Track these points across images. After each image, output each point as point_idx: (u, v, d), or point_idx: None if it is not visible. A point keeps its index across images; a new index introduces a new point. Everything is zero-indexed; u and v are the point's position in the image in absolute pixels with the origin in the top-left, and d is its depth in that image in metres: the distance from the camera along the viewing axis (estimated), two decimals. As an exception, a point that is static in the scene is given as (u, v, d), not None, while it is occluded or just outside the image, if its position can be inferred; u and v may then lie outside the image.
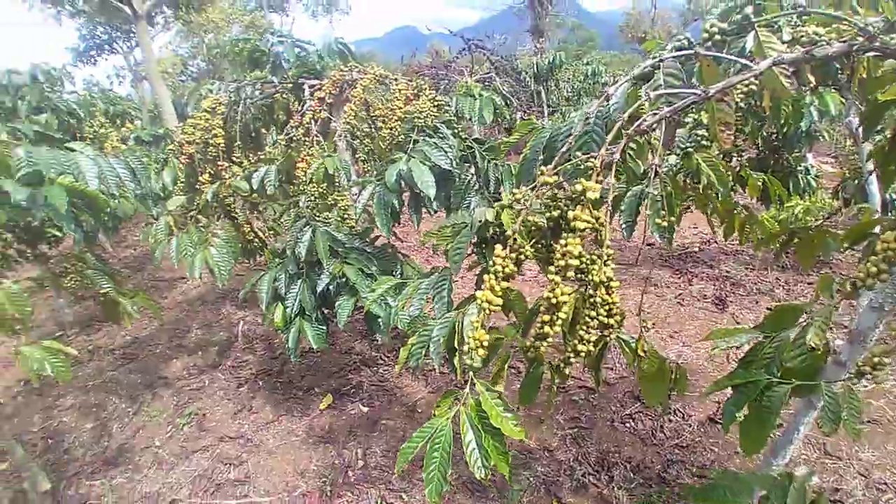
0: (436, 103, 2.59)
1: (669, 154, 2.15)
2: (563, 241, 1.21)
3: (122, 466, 3.12)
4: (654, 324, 4.31)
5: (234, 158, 3.03)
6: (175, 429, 3.39)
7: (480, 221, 1.49)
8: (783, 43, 1.40)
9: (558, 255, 1.22)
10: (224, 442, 3.22)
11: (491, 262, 1.26)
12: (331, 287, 2.42)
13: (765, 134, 3.95)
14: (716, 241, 6.18)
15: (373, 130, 3.09)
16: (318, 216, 2.57)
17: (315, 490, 2.79)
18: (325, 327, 2.61)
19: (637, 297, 1.50)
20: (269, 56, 2.82)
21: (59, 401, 3.91)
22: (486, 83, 7.52)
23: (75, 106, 3.93)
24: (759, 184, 2.77)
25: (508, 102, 8.06)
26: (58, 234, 2.39)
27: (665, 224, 1.61)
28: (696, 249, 6.08)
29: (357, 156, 2.65)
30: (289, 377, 3.79)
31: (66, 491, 2.97)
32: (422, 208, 2.44)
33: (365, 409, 3.42)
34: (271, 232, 3.53)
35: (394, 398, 3.52)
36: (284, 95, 3.36)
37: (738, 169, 2.87)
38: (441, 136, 2.56)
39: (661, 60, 1.33)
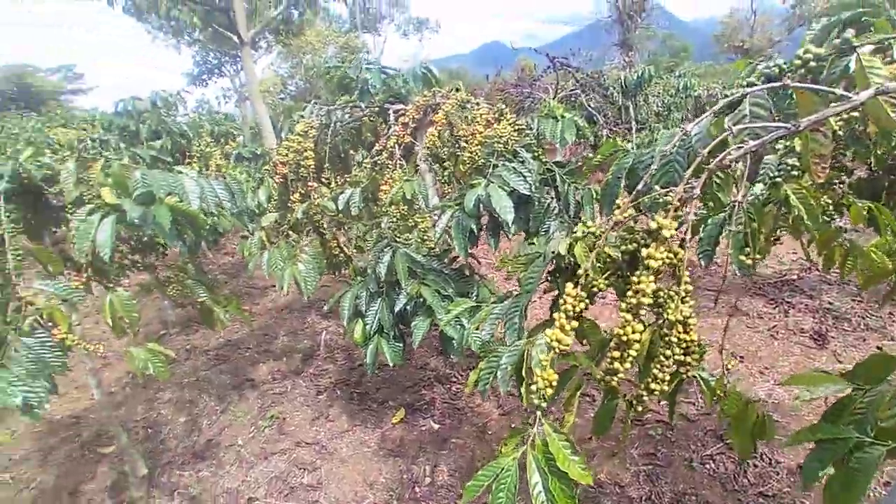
0: (516, 127, 2.60)
1: (755, 184, 2.01)
2: (635, 278, 1.17)
3: (208, 461, 3.35)
4: (742, 358, 4.00)
5: (324, 179, 3.20)
6: (257, 430, 3.59)
7: (553, 253, 1.47)
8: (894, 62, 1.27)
9: (630, 293, 1.18)
10: (301, 447, 3.37)
11: (561, 301, 1.24)
12: (408, 307, 2.47)
13: (878, 153, 3.56)
14: (817, 269, 5.64)
15: (456, 151, 3.14)
16: (399, 237, 2.64)
17: (382, 503, 2.84)
18: (401, 344, 2.67)
19: (720, 326, 1.41)
20: (358, 82, 2.96)
21: (158, 394, 4.28)
22: (572, 100, 7.41)
23: (186, 128, 4.35)
24: (865, 212, 2.50)
25: (595, 120, 7.87)
26: (164, 247, 2.63)
27: (749, 262, 1.51)
28: (795, 277, 5.58)
29: (438, 178, 2.70)
30: (365, 388, 3.90)
31: (159, 478, 3.24)
32: (500, 232, 2.44)
33: (436, 426, 3.44)
34: (356, 248, 3.68)
35: (465, 417, 3.52)
36: (371, 118, 3.51)
37: (840, 195, 2.60)
38: (521, 160, 2.56)
39: (746, 93, 1.26)
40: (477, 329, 1.69)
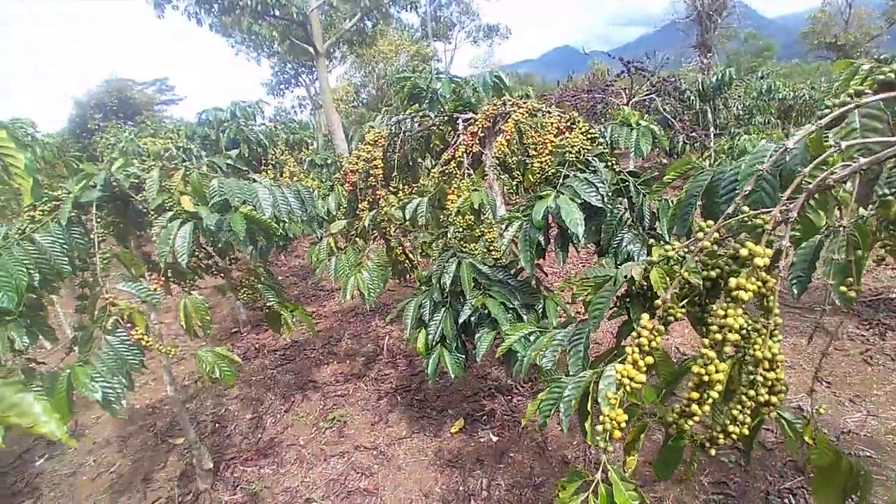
0: (589, 136, 2.50)
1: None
2: (720, 311, 1.07)
3: (270, 458, 3.45)
4: (829, 384, 3.64)
5: (392, 187, 3.23)
6: (318, 431, 3.67)
7: (626, 278, 1.38)
8: None
9: (714, 327, 1.08)
10: (359, 451, 3.40)
11: (635, 334, 1.15)
12: (472, 318, 2.43)
13: None
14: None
15: (525, 160, 3.08)
16: (465, 247, 2.61)
17: (441, 516, 2.80)
18: (463, 356, 2.64)
19: (805, 348, 1.26)
20: (427, 92, 2.97)
21: (227, 390, 4.47)
22: (647, 105, 7.12)
23: (262, 136, 4.56)
24: None
25: (671, 125, 7.52)
26: (238, 251, 2.74)
27: (853, 295, 1.35)
28: (894, 296, 5.04)
29: (506, 188, 2.65)
30: (425, 395, 3.90)
31: (224, 471, 3.37)
32: (568, 245, 2.35)
33: (494, 439, 3.37)
34: (422, 255, 3.69)
35: (524, 431, 3.43)
36: (440, 127, 3.52)
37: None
38: (593, 170, 2.46)
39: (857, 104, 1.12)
40: (537, 357, 1.62)
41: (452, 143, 2.85)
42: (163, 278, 2.44)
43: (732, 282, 1.07)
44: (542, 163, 2.53)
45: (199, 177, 2.54)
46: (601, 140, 2.60)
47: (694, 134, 7.88)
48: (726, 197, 1.43)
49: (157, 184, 2.52)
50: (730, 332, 1.04)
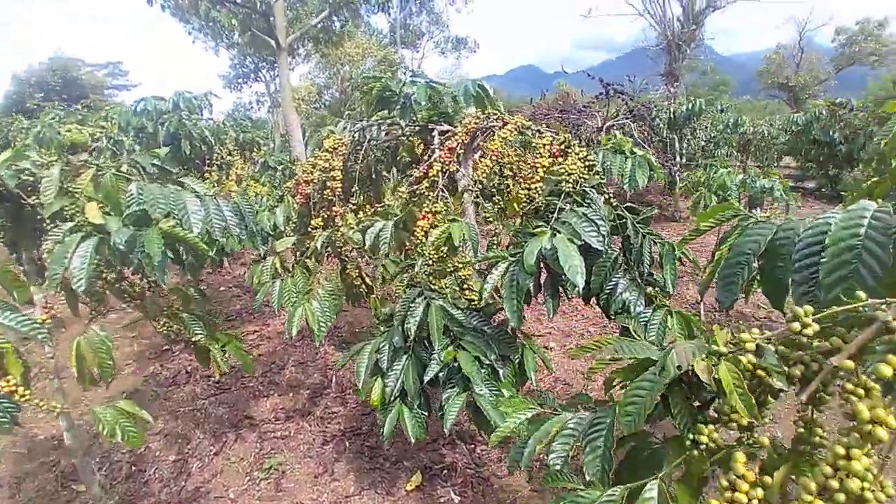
0: (587, 163, 2.15)
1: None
2: (839, 449, 0.72)
3: (195, 516, 2.91)
4: None
5: (352, 204, 2.79)
6: (252, 482, 3.14)
7: (680, 370, 1.00)
8: None
9: (827, 469, 0.72)
10: (299, 510, 2.91)
11: (726, 484, 0.77)
12: (440, 374, 2.01)
13: None
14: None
15: (505, 186, 2.71)
16: (434, 284, 2.19)
17: None
18: (426, 412, 2.20)
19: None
20: (400, 97, 2.56)
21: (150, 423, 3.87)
22: (622, 129, 6.93)
23: (207, 133, 4.01)
24: None
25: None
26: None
27: None
28: None
29: (485, 216, 2.26)
30: (377, 440, 3.43)
31: (137, 534, 2.80)
32: (559, 292, 1.97)
33: (456, 500, 2.95)
34: (382, 280, 3.25)
35: (490, 490, 3.02)
36: (410, 138, 3.10)
37: None
38: (589, 202, 2.10)
39: None
40: (541, 451, 1.22)
41: (425, 158, 2.44)
42: (51, 309, 1.90)
43: (862, 409, 0.71)
44: (530, 190, 2.15)
45: (113, 179, 2.03)
46: (598, 169, 2.26)
47: (664, 163, 7.77)
48: (802, 264, 1.07)
49: (55, 185, 1.99)
50: (852, 478, 0.69)
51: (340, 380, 4.20)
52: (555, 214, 1.95)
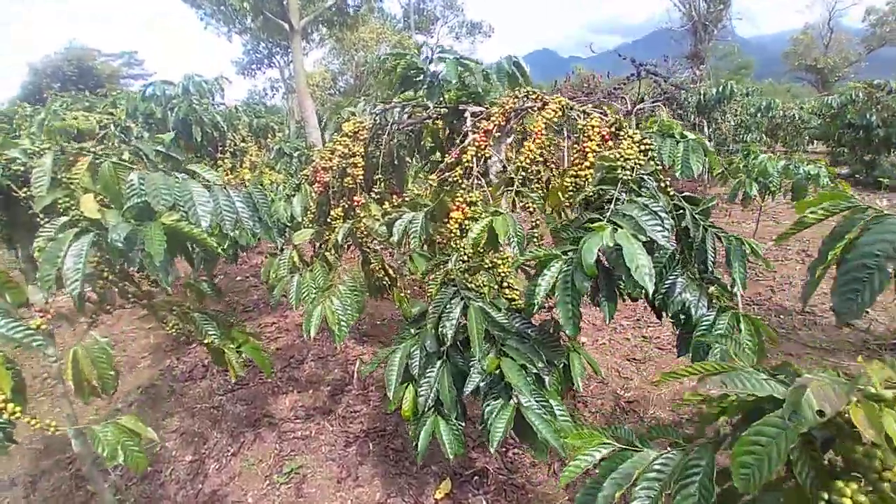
0: (643, 147, 1.90)
1: None
2: None
3: (212, 523, 2.76)
4: None
5: (374, 192, 2.57)
6: (271, 486, 2.98)
7: (823, 416, 0.77)
8: None
9: None
10: (321, 518, 2.74)
11: None
12: (481, 385, 1.80)
13: None
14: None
15: (536, 173, 2.47)
16: (469, 281, 1.97)
17: None
18: (463, 423, 2.00)
19: None
20: (426, 75, 2.32)
21: (166, 420, 3.74)
22: (650, 113, 6.60)
23: (220, 118, 3.81)
24: None
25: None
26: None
27: None
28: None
29: (527, 207, 2.02)
30: (403, 442, 3.24)
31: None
32: (617, 294, 1.74)
33: (487, 508, 2.76)
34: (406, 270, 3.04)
35: (525, 498, 2.82)
36: (435, 122, 2.87)
37: None
38: (649, 193, 1.86)
39: None
40: (621, 496, 1.00)
41: (458, 142, 2.20)
42: (49, 313, 1.72)
43: None
44: (577, 178, 1.92)
45: (111, 168, 1.84)
46: (654, 154, 2.01)
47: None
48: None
49: (48, 175, 1.80)
50: None
51: (361, 375, 4.02)
52: (610, 206, 1.72)
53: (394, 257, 3.26)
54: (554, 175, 2.45)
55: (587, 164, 1.86)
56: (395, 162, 3.03)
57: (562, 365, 2.06)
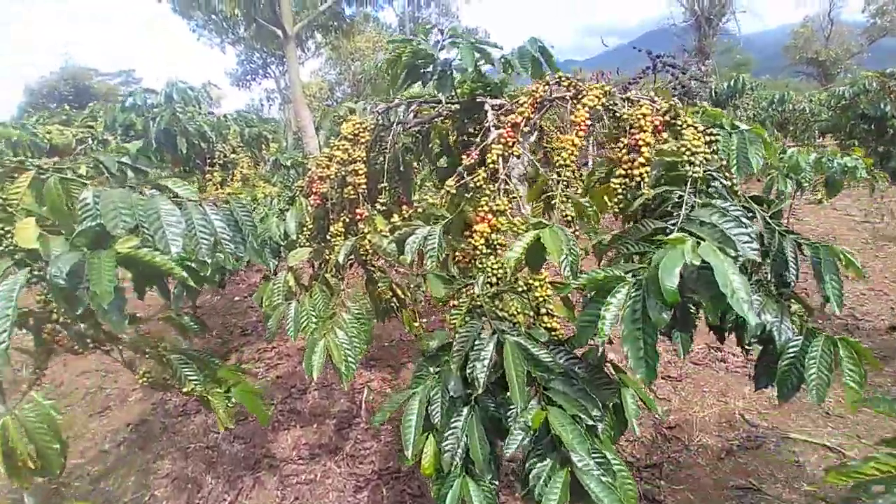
0: (709, 138, 1.55)
1: None
2: None
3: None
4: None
5: (379, 203, 2.23)
6: (273, 542, 2.63)
7: None
8: None
9: None
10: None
11: None
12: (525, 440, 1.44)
13: None
14: None
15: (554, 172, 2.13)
16: (498, 308, 1.62)
17: None
18: (497, 482, 1.63)
19: None
20: (437, 64, 1.98)
21: (157, 462, 3.38)
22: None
23: (207, 128, 3.48)
24: None
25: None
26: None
27: None
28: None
29: (564, 215, 1.66)
30: (421, 486, 2.88)
31: None
32: (693, 322, 1.39)
33: (521, 564, 2.38)
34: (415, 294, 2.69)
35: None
36: (444, 120, 2.53)
37: None
38: (719, 195, 1.52)
39: None
40: None
41: (477, 141, 1.85)
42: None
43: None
44: (627, 179, 1.56)
45: (57, 185, 1.49)
46: (719, 146, 1.67)
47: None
48: None
49: (-22, 197, 1.45)
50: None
51: (371, 406, 3.66)
52: (678, 211, 1.37)
53: (402, 275, 2.91)
54: (575, 178, 2.11)
55: (641, 160, 1.51)
56: (401, 168, 2.69)
57: (612, 404, 1.70)
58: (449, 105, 2.29)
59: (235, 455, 3.31)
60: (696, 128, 1.53)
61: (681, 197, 1.43)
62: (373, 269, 2.49)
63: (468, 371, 1.49)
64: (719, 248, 1.19)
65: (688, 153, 1.44)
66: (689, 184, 1.40)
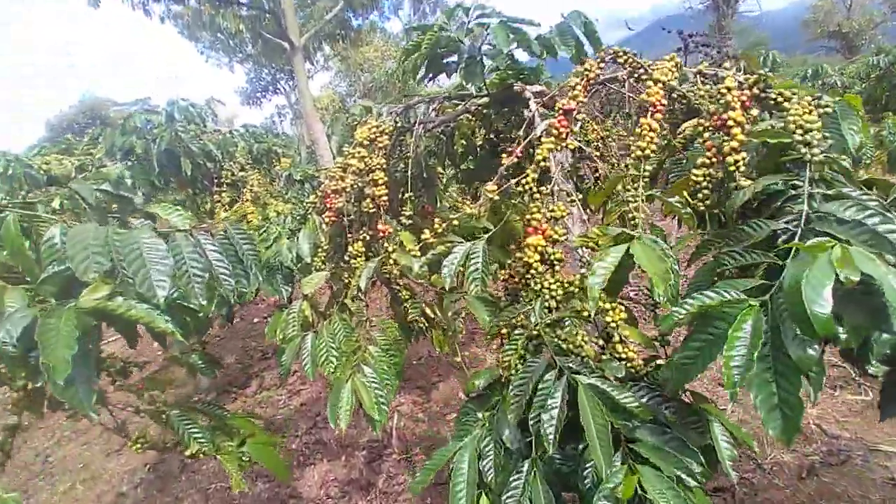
0: (823, 110, 1.23)
1: None
2: None
3: None
4: None
5: (404, 216, 1.94)
6: None
7: None
8: None
9: None
10: None
11: None
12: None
13: None
14: None
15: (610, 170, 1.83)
16: (562, 339, 1.31)
17: None
18: (567, 553, 1.32)
19: None
20: (463, 51, 1.70)
21: (179, 506, 3.15)
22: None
23: (212, 146, 3.25)
24: None
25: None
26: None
27: None
28: None
29: (632, 220, 1.36)
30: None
31: None
32: (823, 352, 1.06)
33: None
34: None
35: None
36: (471, 117, 2.24)
37: None
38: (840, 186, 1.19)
39: None
40: None
41: (520, 135, 1.56)
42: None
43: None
44: (711, 167, 1.24)
45: (16, 224, 1.23)
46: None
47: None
48: None
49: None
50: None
51: (402, 434, 3.38)
52: (802, 207, 1.05)
53: (425, 289, 2.62)
54: (612, 171, 1.79)
55: (734, 144, 1.19)
56: (425, 174, 2.40)
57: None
58: (477, 98, 2.00)
59: (259, 496, 3.05)
60: (805, 99, 1.21)
61: (794, 187, 1.12)
62: (398, 287, 2.21)
63: (532, 423, 1.18)
64: (875, 253, 0.87)
65: (800, 131, 1.12)
66: (808, 169, 1.08)
